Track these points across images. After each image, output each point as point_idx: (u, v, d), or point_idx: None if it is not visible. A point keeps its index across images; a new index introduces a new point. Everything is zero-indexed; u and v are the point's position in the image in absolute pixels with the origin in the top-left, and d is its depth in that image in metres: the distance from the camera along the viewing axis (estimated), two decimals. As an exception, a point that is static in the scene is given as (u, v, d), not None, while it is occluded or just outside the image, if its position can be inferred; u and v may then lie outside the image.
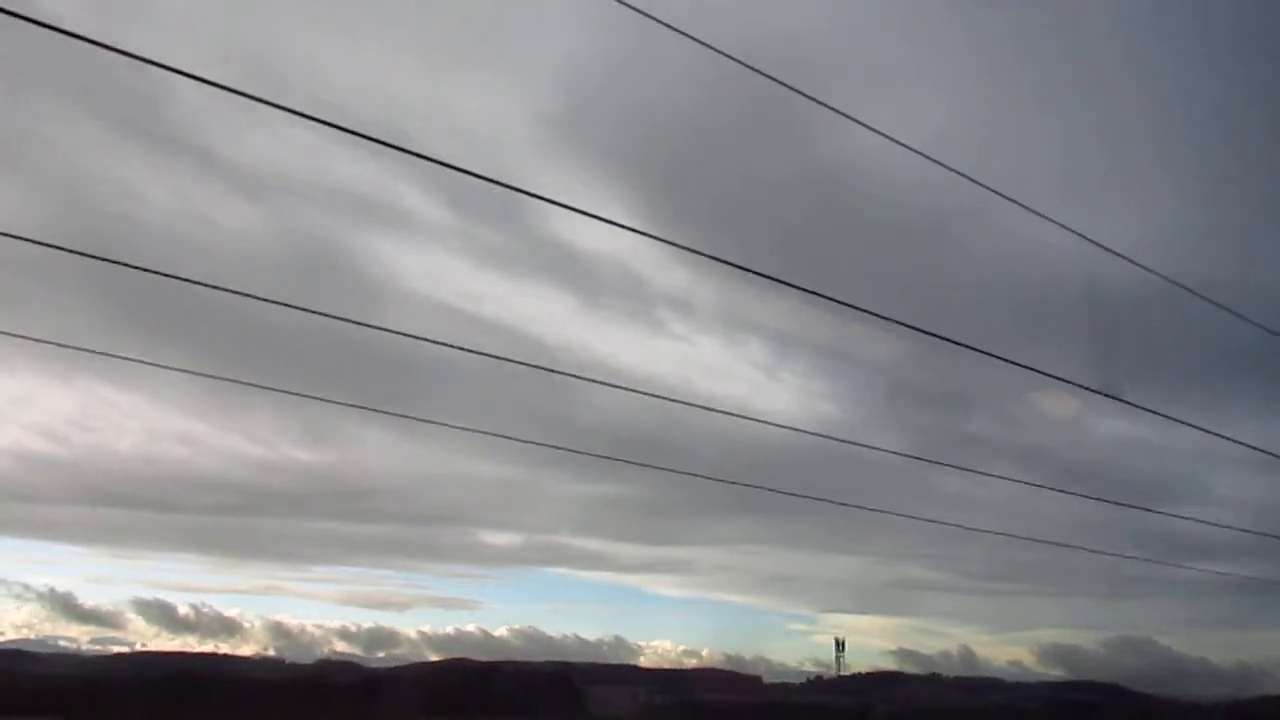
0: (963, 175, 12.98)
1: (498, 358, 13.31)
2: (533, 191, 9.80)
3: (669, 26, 10.87)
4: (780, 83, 11.43)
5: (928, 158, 12.90)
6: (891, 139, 12.84)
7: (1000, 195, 13.51)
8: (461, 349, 13.13)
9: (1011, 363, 13.61)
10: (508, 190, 10.24)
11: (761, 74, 11.39)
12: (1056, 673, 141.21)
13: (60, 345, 13.83)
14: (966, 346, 12.82)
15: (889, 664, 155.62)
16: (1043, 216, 14.60)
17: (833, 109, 11.98)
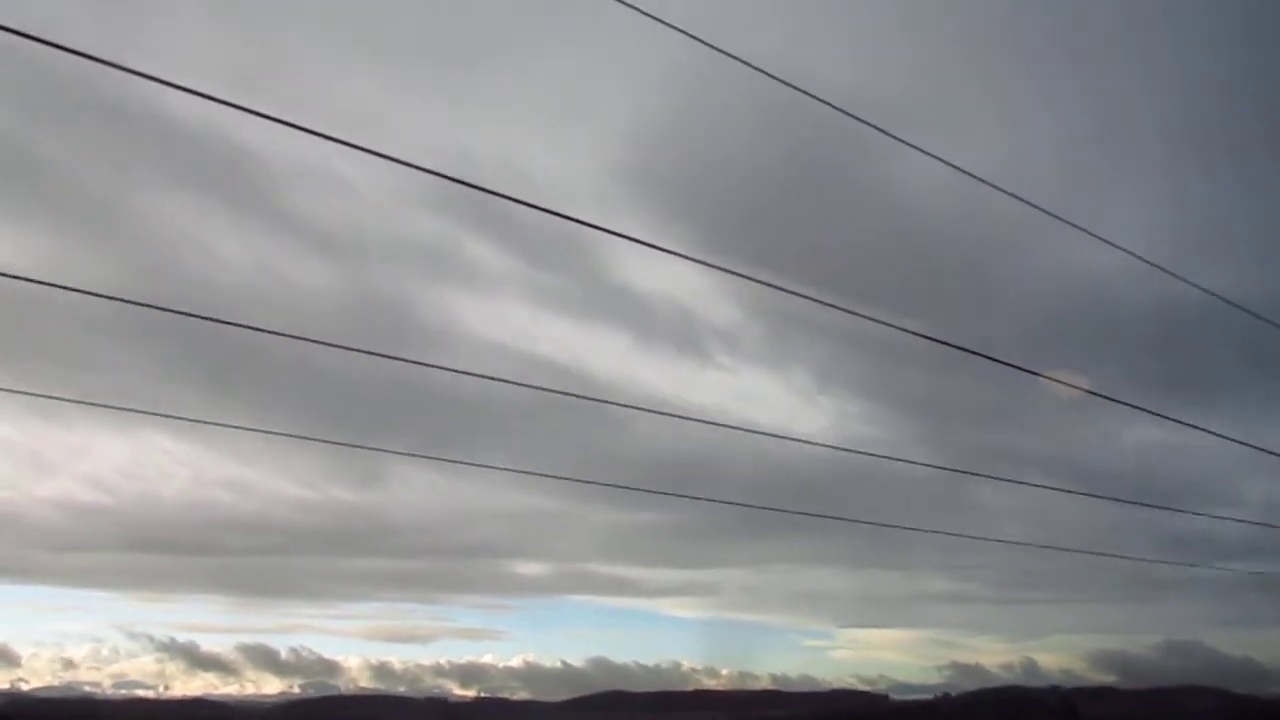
0: (1022, 199, 13.00)
1: (533, 387, 13.56)
2: (597, 224, 10.14)
3: (742, 63, 11.11)
4: (850, 114, 11.62)
5: (986, 181, 12.94)
6: (949, 163, 12.94)
7: (1055, 217, 13.49)
8: (498, 379, 13.30)
9: (1046, 377, 13.55)
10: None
11: (830, 104, 11.60)
12: (1110, 679, 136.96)
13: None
14: (1019, 368, 12.80)
15: (940, 679, 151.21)
16: (1095, 235, 14.52)
17: (898, 139, 12.11)
